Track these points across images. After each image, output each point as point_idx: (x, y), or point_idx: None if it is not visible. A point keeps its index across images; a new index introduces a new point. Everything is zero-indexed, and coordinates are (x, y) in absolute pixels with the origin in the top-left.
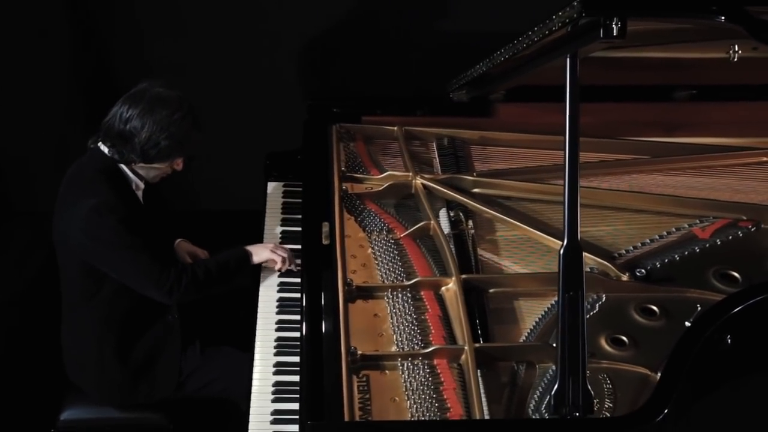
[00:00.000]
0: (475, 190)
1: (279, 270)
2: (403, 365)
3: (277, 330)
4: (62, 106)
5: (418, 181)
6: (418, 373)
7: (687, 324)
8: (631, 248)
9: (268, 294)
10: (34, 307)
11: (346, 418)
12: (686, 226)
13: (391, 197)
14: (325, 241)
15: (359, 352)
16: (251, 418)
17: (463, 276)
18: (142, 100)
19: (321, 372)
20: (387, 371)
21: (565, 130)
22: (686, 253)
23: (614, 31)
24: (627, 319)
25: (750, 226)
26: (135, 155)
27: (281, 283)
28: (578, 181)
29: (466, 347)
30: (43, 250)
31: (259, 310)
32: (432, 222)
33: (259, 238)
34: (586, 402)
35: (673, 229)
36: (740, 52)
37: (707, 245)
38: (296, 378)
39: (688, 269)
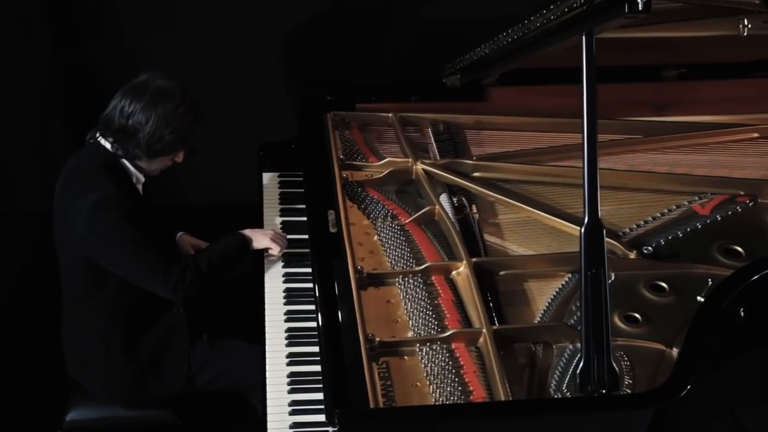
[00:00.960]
0: (475, 174)
1: (274, 255)
2: (421, 350)
3: (286, 321)
4: (42, 104)
5: (419, 166)
6: (438, 358)
7: (699, 299)
8: (634, 227)
9: (274, 285)
10: (21, 308)
11: (372, 405)
12: (686, 203)
13: (392, 184)
14: (332, 229)
15: (377, 339)
16: (269, 410)
17: (474, 259)
18: (144, 93)
19: (342, 361)
20: (406, 357)
21: (583, 110)
22: (689, 229)
23: (640, 6)
24: (638, 297)
25: (748, 201)
26: (140, 150)
27: (286, 274)
28: (597, 159)
29: (483, 330)
30: (24, 250)
31: (266, 301)
32: (437, 207)
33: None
34: (611, 379)
35: (674, 207)
36: (750, 26)
37: (708, 221)
38: (311, 368)
39: (693, 245)
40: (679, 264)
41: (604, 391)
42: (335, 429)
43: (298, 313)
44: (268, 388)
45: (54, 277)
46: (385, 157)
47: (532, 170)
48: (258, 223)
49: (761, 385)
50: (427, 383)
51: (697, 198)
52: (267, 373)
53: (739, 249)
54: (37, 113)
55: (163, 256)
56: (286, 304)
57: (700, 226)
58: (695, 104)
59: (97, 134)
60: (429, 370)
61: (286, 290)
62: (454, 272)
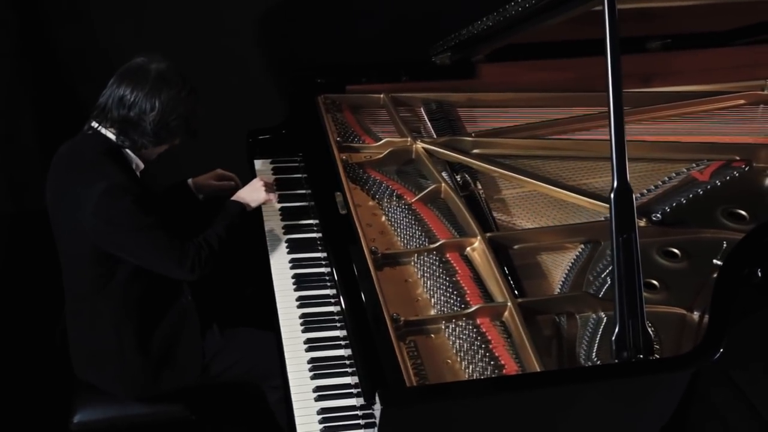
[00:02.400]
0: (475, 150)
1: (274, 204)
2: (447, 328)
3: (299, 307)
4: (8, 100)
5: (419, 145)
6: (465, 334)
7: (716, 262)
8: (639, 195)
9: (282, 272)
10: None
11: (408, 384)
12: (684, 170)
13: (392, 164)
14: (342, 211)
15: (402, 319)
16: (294, 397)
17: (488, 234)
18: (146, 80)
19: (372, 342)
20: (432, 335)
21: (608, 75)
22: (691, 195)
23: None
24: (652, 264)
25: (744, 166)
26: (147, 139)
27: (292, 260)
28: (623, 124)
29: (508, 303)
30: None
31: (276, 289)
32: (442, 184)
33: (257, 217)
34: (646, 344)
35: (673, 174)
36: None
37: (709, 186)
38: (331, 353)
39: (697, 211)
40: (688, 229)
41: (641, 356)
42: (379, 409)
43: (311, 298)
44: (290, 376)
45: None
46: (382, 138)
47: (532, 144)
48: (256, 212)
49: (751, 345)
50: (458, 360)
51: (694, 165)
52: (287, 360)
53: (743, 212)
54: (2, 109)
55: (176, 238)
56: (296, 290)
57: (701, 192)
58: (679, 74)
59: (94, 123)
60: (458, 346)
61: (295, 276)
62: (468, 248)
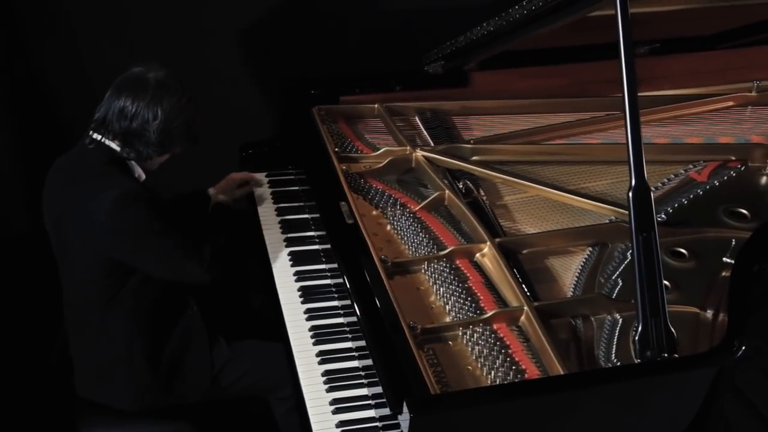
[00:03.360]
0: (474, 157)
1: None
2: (465, 334)
3: (308, 319)
4: None
5: (419, 154)
6: (484, 340)
7: (724, 260)
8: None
9: (287, 285)
10: None
11: (432, 392)
12: (683, 171)
13: (392, 173)
14: (348, 221)
15: (419, 327)
16: (311, 411)
17: (497, 240)
18: (146, 89)
19: (393, 351)
20: (450, 342)
21: (622, 73)
22: (691, 196)
23: None
24: (662, 264)
25: (739, 166)
26: (151, 149)
27: (297, 272)
28: (639, 121)
29: (525, 307)
30: None
31: (282, 302)
32: (446, 192)
33: (255, 231)
34: (669, 342)
35: (672, 176)
36: None
37: (708, 187)
38: (345, 365)
39: (699, 211)
40: (693, 229)
41: (666, 355)
42: (407, 418)
43: (319, 310)
44: (305, 390)
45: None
46: (379, 148)
47: (530, 150)
48: (255, 226)
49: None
50: (478, 366)
51: (691, 166)
52: (300, 374)
53: (744, 211)
54: None
55: (190, 239)
56: (303, 302)
57: (701, 193)
58: (668, 78)
59: (96, 135)
60: (477, 352)
61: (301, 289)
62: (477, 254)
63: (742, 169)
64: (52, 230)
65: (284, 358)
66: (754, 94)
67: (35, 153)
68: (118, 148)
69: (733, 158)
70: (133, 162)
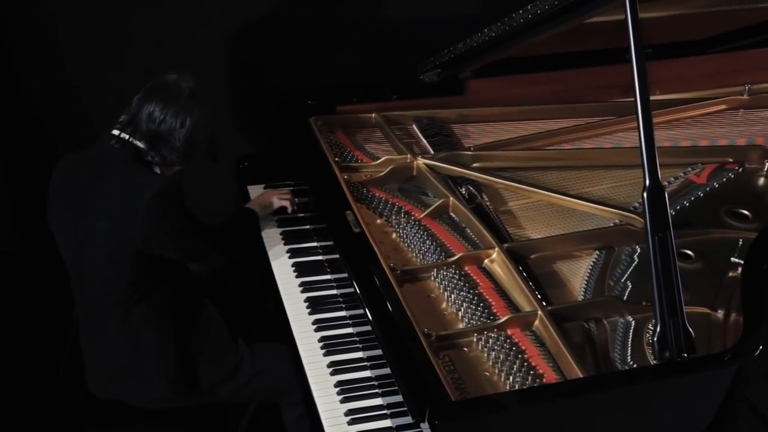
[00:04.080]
0: (475, 164)
1: (292, 211)
2: (480, 340)
3: (316, 330)
4: None
5: (420, 162)
6: (499, 345)
7: (733, 260)
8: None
9: (292, 296)
10: None
11: (453, 399)
12: (682, 174)
13: (393, 182)
14: (355, 230)
15: (434, 334)
16: (325, 423)
17: (506, 245)
18: (177, 97)
19: (411, 360)
20: (465, 349)
21: (634, 75)
22: (692, 198)
23: None
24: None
25: (737, 167)
26: (175, 155)
27: (302, 284)
28: (652, 122)
29: (539, 312)
30: None
31: (289, 314)
32: (451, 198)
33: (258, 243)
34: (688, 342)
35: (672, 179)
36: None
37: (708, 189)
38: (358, 375)
39: (701, 212)
40: (697, 231)
41: (685, 355)
42: (432, 425)
43: (327, 321)
44: (318, 401)
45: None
46: (379, 156)
47: (531, 156)
48: (257, 239)
49: None
50: (495, 372)
51: (690, 169)
52: (312, 385)
53: (745, 211)
54: None
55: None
56: (311, 313)
57: (702, 195)
58: (661, 83)
59: (123, 134)
60: (494, 358)
61: (308, 300)
62: (486, 260)
63: (740, 170)
64: (65, 230)
65: (292, 362)
66: (746, 97)
67: (18, 172)
68: (144, 147)
69: (731, 160)
70: (154, 166)
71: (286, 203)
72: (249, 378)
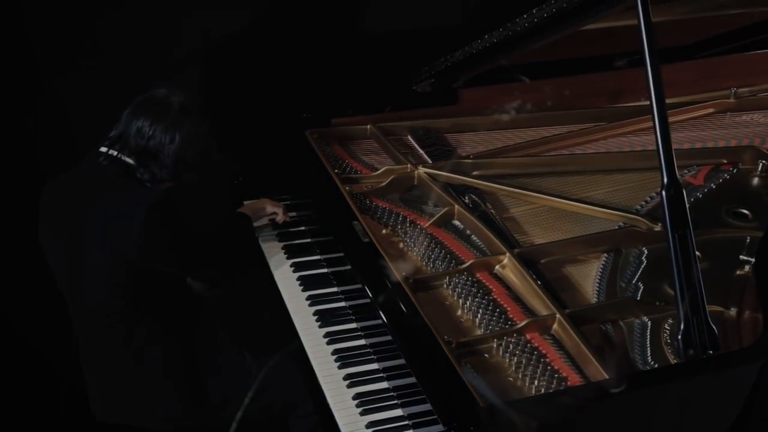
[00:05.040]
0: (475, 172)
1: (281, 221)
2: (500, 346)
3: (329, 343)
4: None
5: (421, 171)
6: (520, 350)
7: (742, 258)
8: (643, 203)
9: (300, 310)
10: None
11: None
12: (679, 176)
13: (394, 191)
14: (364, 239)
15: (454, 341)
16: None
17: (516, 250)
18: (166, 113)
19: (436, 367)
20: (486, 355)
21: (648, 76)
22: (692, 199)
23: None
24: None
25: (732, 168)
26: (165, 172)
27: (310, 297)
28: (668, 120)
29: (557, 315)
30: None
31: (298, 328)
32: (456, 206)
33: (254, 249)
34: (712, 340)
35: None
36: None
37: (706, 190)
38: (375, 386)
39: (702, 213)
40: (700, 231)
41: (711, 352)
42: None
43: (339, 333)
44: (337, 415)
45: None
46: (377, 167)
47: (530, 162)
48: (259, 255)
49: None
50: (519, 377)
51: (686, 171)
52: (329, 399)
53: (745, 211)
54: None
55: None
56: (321, 326)
57: (701, 196)
58: (642, 90)
59: (110, 150)
60: (516, 363)
61: (317, 313)
62: (497, 266)
63: (735, 171)
64: (58, 253)
65: (299, 374)
66: (732, 100)
67: None
68: (134, 163)
69: (725, 161)
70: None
71: (279, 210)
72: (258, 391)
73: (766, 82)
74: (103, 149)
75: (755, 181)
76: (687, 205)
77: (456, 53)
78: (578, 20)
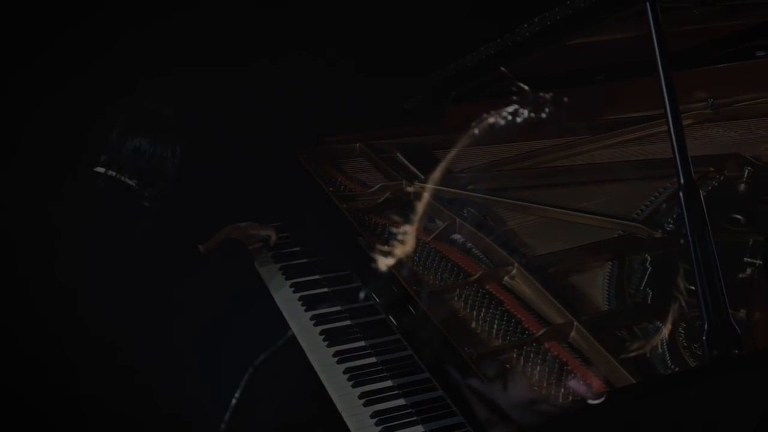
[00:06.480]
0: (470, 186)
1: (274, 242)
2: (520, 356)
3: (339, 363)
4: None
5: (416, 186)
6: (542, 359)
7: (746, 260)
8: (639, 211)
9: (305, 331)
10: None
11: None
12: (669, 185)
13: (390, 207)
14: (373, 254)
15: (475, 353)
16: None
17: (524, 260)
18: (161, 127)
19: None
20: (507, 365)
21: (660, 74)
22: None
23: None
24: (681, 271)
25: (718, 176)
26: (169, 186)
27: (314, 317)
28: (681, 122)
29: (575, 322)
30: None
31: (305, 348)
32: (457, 220)
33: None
34: (735, 339)
35: (661, 190)
36: None
37: None
38: (393, 403)
39: None
40: None
41: (736, 351)
42: None
43: (349, 351)
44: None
45: None
46: (370, 185)
47: (523, 175)
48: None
49: None
50: (544, 386)
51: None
52: (347, 420)
53: (738, 216)
54: None
55: None
56: (329, 346)
57: None
58: (627, 101)
59: (109, 171)
60: (540, 372)
61: (323, 332)
62: (506, 277)
63: (722, 178)
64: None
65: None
66: (709, 111)
67: None
68: (134, 185)
69: (712, 169)
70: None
71: (271, 232)
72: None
73: (737, 93)
74: (100, 170)
75: (742, 187)
76: (704, 206)
77: (443, 70)
78: (570, 32)
